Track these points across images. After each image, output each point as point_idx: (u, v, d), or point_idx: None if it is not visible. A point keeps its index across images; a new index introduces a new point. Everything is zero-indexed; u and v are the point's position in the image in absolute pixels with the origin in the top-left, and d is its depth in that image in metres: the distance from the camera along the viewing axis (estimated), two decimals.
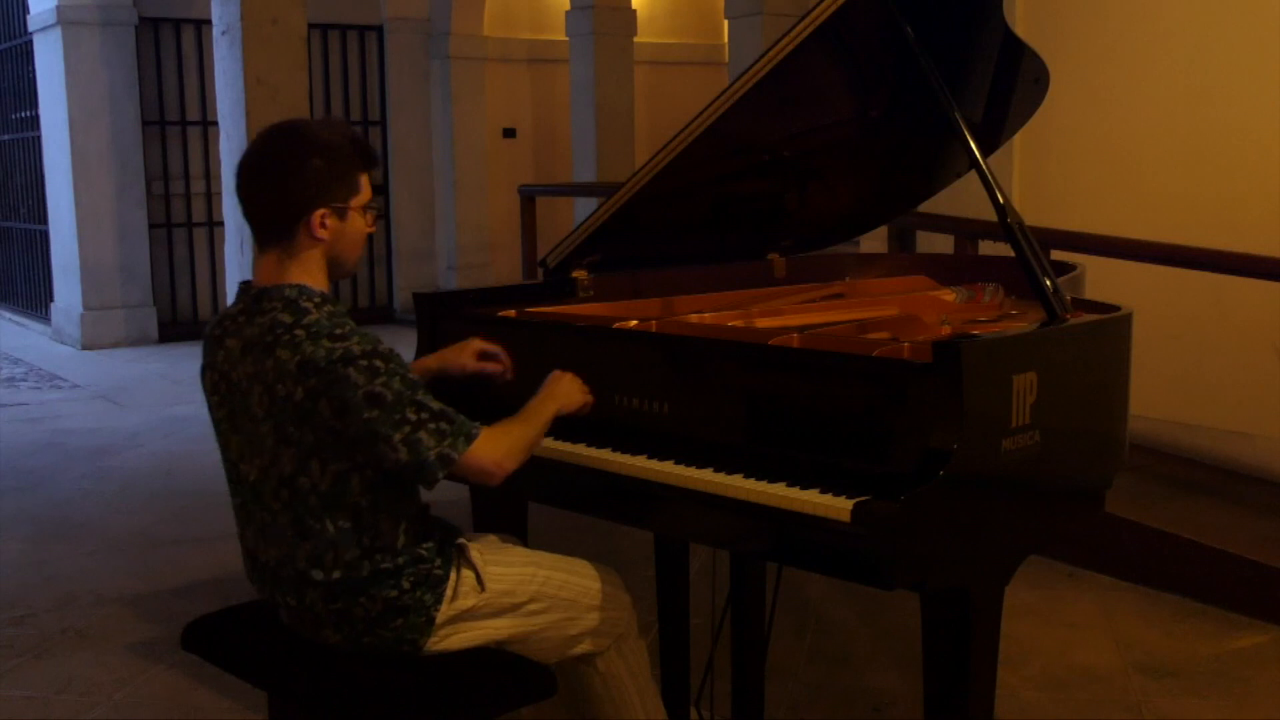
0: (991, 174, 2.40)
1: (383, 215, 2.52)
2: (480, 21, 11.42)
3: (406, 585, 2.15)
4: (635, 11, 10.45)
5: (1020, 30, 4.25)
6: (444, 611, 2.18)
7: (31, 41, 10.24)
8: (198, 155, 10.39)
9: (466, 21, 11.31)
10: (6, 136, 11.67)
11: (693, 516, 2.21)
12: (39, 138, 10.34)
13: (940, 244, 5.57)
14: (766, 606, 2.96)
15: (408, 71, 11.38)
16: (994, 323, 2.71)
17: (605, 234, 2.83)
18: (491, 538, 2.42)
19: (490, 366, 2.49)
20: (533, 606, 2.26)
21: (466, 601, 2.20)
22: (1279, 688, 3.42)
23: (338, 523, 2.11)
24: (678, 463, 2.21)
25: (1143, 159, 5.39)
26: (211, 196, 10.13)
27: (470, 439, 2.09)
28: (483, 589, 2.21)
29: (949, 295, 3.10)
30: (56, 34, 9.64)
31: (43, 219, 10.55)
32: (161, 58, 10.25)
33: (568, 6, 10.38)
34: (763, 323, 2.75)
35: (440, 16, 11.31)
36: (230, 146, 6.78)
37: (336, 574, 2.12)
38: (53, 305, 10.42)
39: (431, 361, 2.51)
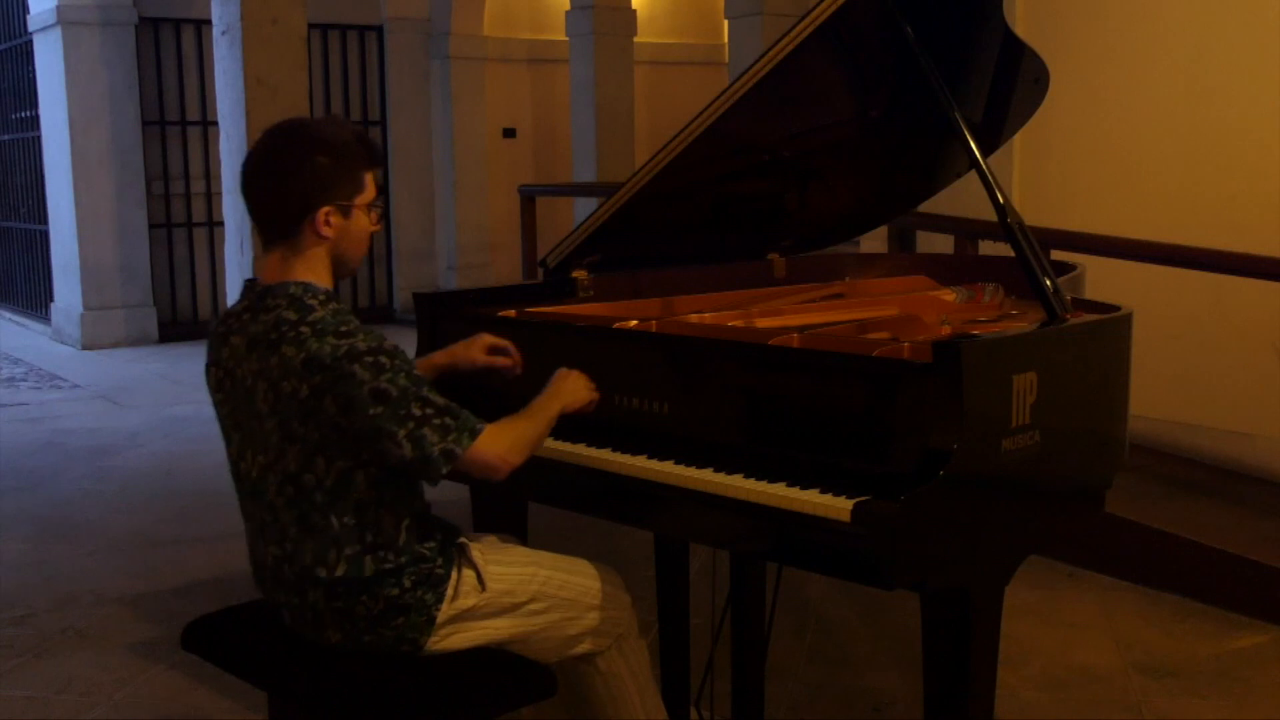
0: (991, 174, 2.40)
1: (383, 215, 2.54)
2: (480, 21, 11.42)
3: (408, 584, 2.15)
4: (635, 11, 10.45)
5: (1020, 30, 4.25)
6: (445, 611, 2.18)
7: (31, 41, 10.24)
8: (198, 155, 10.39)
9: (466, 21, 11.31)
10: (6, 136, 11.67)
11: (693, 516, 2.21)
12: (39, 138, 10.34)
13: (940, 244, 5.56)
14: (766, 606, 2.96)
15: (408, 71, 11.38)
16: (994, 323, 2.71)
17: (605, 234, 2.83)
18: (492, 538, 2.42)
19: (500, 361, 2.50)
20: (533, 606, 2.27)
21: (467, 601, 2.20)
22: (1279, 688, 3.42)
23: (342, 519, 2.12)
24: (678, 463, 2.21)
25: (1143, 159, 5.39)
26: (211, 196, 10.13)
27: (474, 434, 2.10)
28: (483, 589, 2.22)
29: (949, 295, 3.10)
30: (56, 34, 9.64)
31: (43, 219, 10.55)
32: (161, 58, 10.25)
33: (568, 6, 10.38)
34: (763, 323, 2.75)
35: (440, 16, 11.31)
36: (230, 146, 6.78)
37: (340, 570, 2.13)
38: (53, 305, 10.42)
39: (442, 357, 2.51)
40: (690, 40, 12.35)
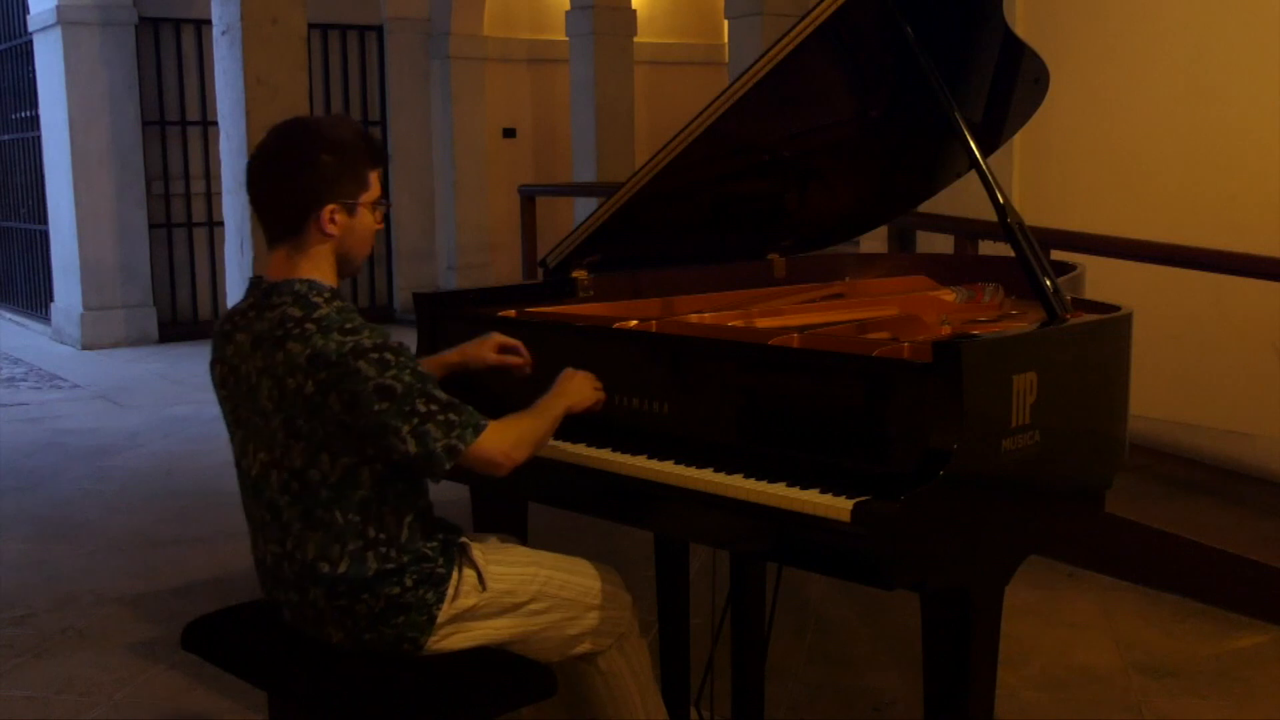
0: (991, 174, 2.40)
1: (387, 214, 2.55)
2: (480, 21, 11.42)
3: (409, 583, 2.16)
4: (635, 11, 10.45)
5: (1020, 30, 4.25)
6: (445, 610, 2.18)
7: (31, 41, 10.24)
8: (198, 155, 10.39)
9: (466, 21, 11.31)
10: (6, 136, 11.67)
11: (693, 516, 2.21)
12: (39, 138, 10.35)
13: (940, 244, 5.56)
14: (766, 606, 2.96)
15: (408, 71, 11.38)
16: (994, 323, 2.71)
17: (605, 234, 2.83)
18: (493, 538, 2.43)
19: (512, 360, 2.50)
20: (534, 606, 2.27)
21: (468, 600, 2.20)
22: (1279, 688, 3.42)
23: (347, 515, 2.12)
24: (678, 463, 2.21)
25: (1143, 159, 5.39)
26: (211, 196, 10.12)
27: (478, 430, 2.10)
28: (484, 588, 2.22)
29: (949, 295, 3.10)
30: (56, 34, 9.64)
31: (43, 219, 10.56)
32: (161, 58, 10.25)
33: (568, 6, 10.38)
34: (763, 323, 2.75)
35: (440, 16, 11.31)
36: (230, 146, 6.77)
37: (342, 567, 2.13)
38: (53, 305, 10.42)
39: (454, 356, 2.51)
40: (690, 40, 12.35)
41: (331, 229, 2.15)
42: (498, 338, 2.51)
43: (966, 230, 5.12)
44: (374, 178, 2.21)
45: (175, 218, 10.42)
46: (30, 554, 4.67)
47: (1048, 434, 2.13)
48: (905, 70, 2.58)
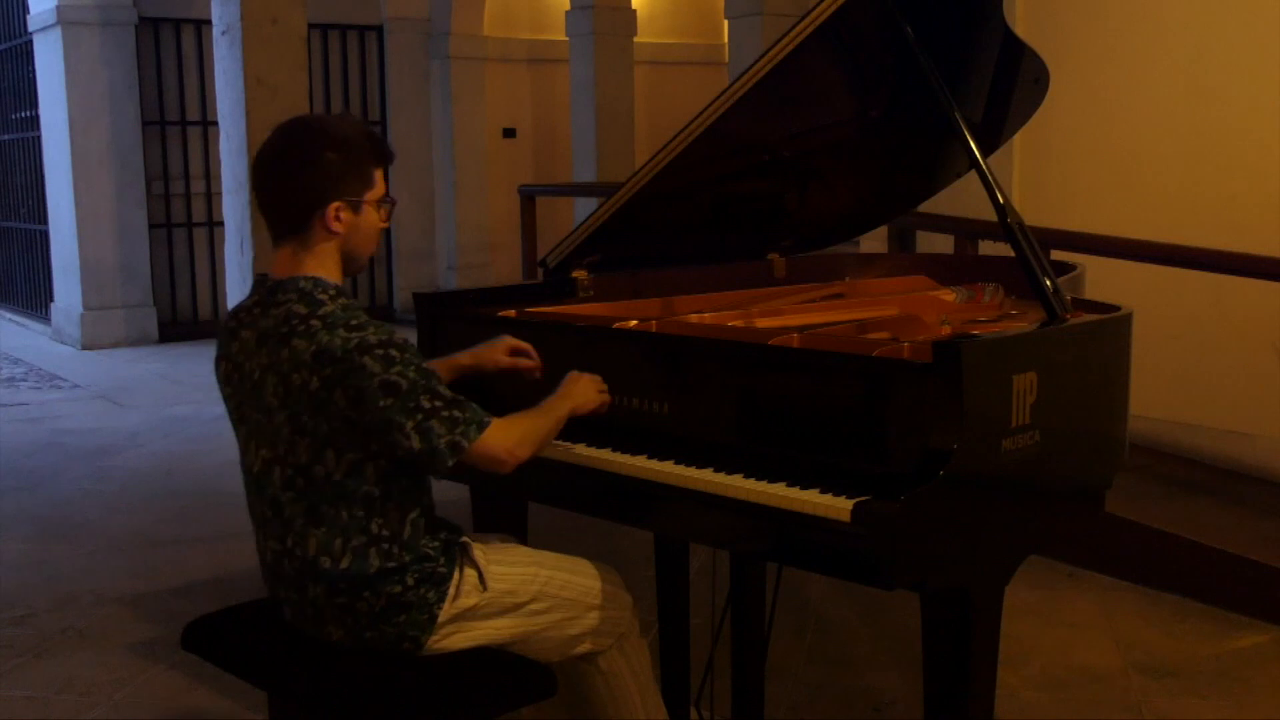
0: (991, 174, 2.40)
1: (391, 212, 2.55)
2: (480, 21, 11.42)
3: (410, 582, 2.16)
4: (635, 11, 10.45)
5: (1020, 30, 4.25)
6: (447, 610, 2.18)
7: (31, 41, 10.24)
8: (198, 155, 10.39)
9: (466, 21, 11.31)
10: (6, 136, 11.67)
11: (693, 516, 2.21)
12: (39, 138, 10.34)
13: (940, 244, 5.56)
14: (766, 606, 2.96)
15: (408, 71, 11.38)
16: (994, 323, 2.71)
17: (605, 234, 2.83)
18: (494, 538, 2.43)
19: (523, 363, 2.50)
20: (535, 606, 2.27)
21: (469, 600, 2.20)
22: (1279, 688, 3.42)
23: (351, 510, 2.13)
24: (678, 463, 2.21)
25: (1143, 159, 5.39)
26: (211, 196, 10.12)
27: (481, 427, 2.11)
28: (485, 588, 2.22)
29: (949, 295, 3.10)
30: (56, 34, 9.64)
31: (43, 219, 10.56)
32: (161, 58, 10.25)
33: (568, 6, 10.38)
34: (763, 323, 2.75)
35: (440, 16, 11.31)
36: (230, 146, 6.77)
37: (345, 563, 2.13)
38: (53, 305, 10.42)
39: (465, 359, 2.51)
40: (690, 40, 12.35)
41: (337, 226, 2.15)
42: (509, 340, 2.51)
43: (966, 230, 5.12)
44: (379, 176, 2.21)
45: (175, 218, 10.42)
46: (30, 554, 4.67)
47: (1048, 434, 2.13)
48: (905, 70, 2.58)
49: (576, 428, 2.36)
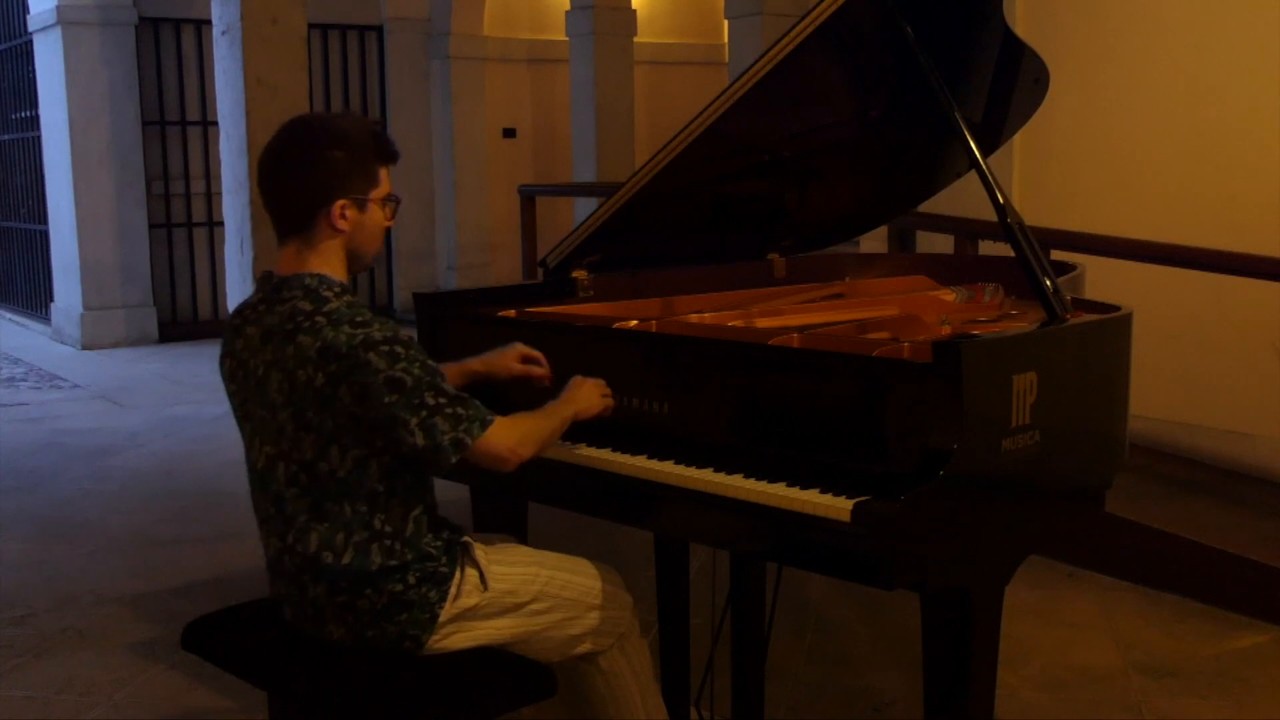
0: (991, 174, 2.40)
1: (396, 211, 2.54)
2: (480, 21, 11.42)
3: (412, 580, 2.16)
4: (635, 11, 10.45)
5: (1020, 30, 4.25)
6: (448, 609, 2.19)
7: (31, 41, 10.24)
8: (198, 155, 10.39)
9: (466, 21, 11.31)
10: (6, 136, 11.67)
11: (693, 516, 2.21)
12: (39, 138, 10.34)
13: (940, 244, 5.57)
14: (766, 606, 2.96)
15: (408, 71, 11.38)
16: (994, 323, 2.71)
17: (605, 234, 2.83)
18: (495, 538, 2.43)
19: (534, 370, 2.50)
20: (535, 606, 2.27)
21: (470, 600, 2.21)
22: (1279, 688, 3.42)
23: (355, 506, 2.14)
24: (678, 463, 2.21)
25: (1143, 159, 5.39)
26: (211, 196, 10.12)
27: (485, 425, 2.11)
28: (486, 588, 2.22)
29: (949, 295, 3.10)
30: (56, 34, 9.64)
31: (43, 219, 10.55)
32: (161, 58, 10.25)
33: (568, 6, 10.38)
34: (763, 323, 2.75)
35: (440, 16, 11.31)
36: (230, 146, 6.77)
37: (346, 558, 2.14)
38: (53, 305, 10.42)
39: (477, 365, 2.51)
40: (690, 40, 12.35)
41: (342, 224, 2.16)
42: (521, 348, 2.52)
43: (966, 230, 5.12)
44: (384, 174, 2.22)
45: (175, 218, 10.42)
46: (30, 554, 4.67)
47: (1048, 434, 2.13)
48: (905, 70, 2.58)
49: (577, 428, 2.36)
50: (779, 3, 8.52)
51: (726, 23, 9.30)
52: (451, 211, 11.40)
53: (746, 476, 2.10)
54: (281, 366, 2.11)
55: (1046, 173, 5.69)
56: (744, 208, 3.14)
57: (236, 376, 2.22)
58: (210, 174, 10.16)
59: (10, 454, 6.29)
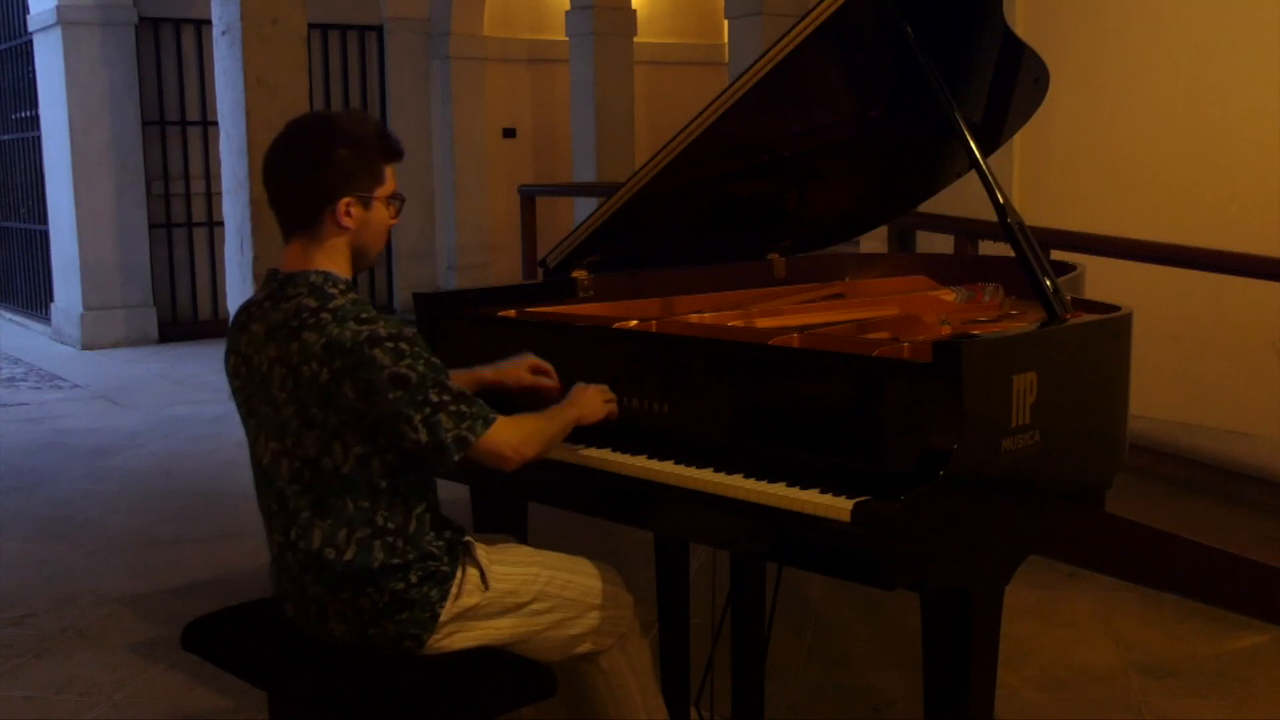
0: (991, 174, 2.40)
1: (401, 209, 2.54)
2: (480, 21, 11.42)
3: (414, 579, 2.16)
4: (635, 11, 10.45)
5: (1020, 30, 4.25)
6: (448, 609, 2.19)
7: (31, 41, 10.24)
8: (198, 155, 10.39)
9: (466, 21, 11.31)
10: (6, 136, 11.67)
11: (693, 516, 2.21)
12: (39, 138, 10.34)
13: (940, 244, 5.56)
14: (766, 606, 2.96)
15: (408, 71, 11.38)
16: (994, 323, 2.71)
17: (605, 234, 2.83)
18: (497, 538, 2.43)
19: (543, 382, 2.50)
20: (536, 606, 2.27)
21: (470, 600, 2.21)
22: (1279, 688, 3.42)
23: (358, 502, 2.14)
24: (678, 463, 2.21)
25: (1143, 159, 5.39)
26: (211, 196, 10.12)
27: (488, 423, 2.12)
28: (487, 588, 2.22)
29: (949, 295, 3.10)
30: (56, 34, 9.64)
31: (43, 219, 10.55)
32: (161, 58, 10.25)
33: (568, 6, 10.38)
34: (763, 323, 2.75)
35: (440, 16, 11.31)
36: (230, 146, 6.78)
37: (349, 554, 2.14)
38: (53, 305, 10.42)
39: (489, 373, 2.51)
40: (690, 40, 12.35)
41: (347, 222, 2.17)
42: (532, 359, 2.52)
43: (966, 230, 5.12)
44: (389, 172, 2.23)
45: (175, 218, 10.42)
46: (30, 554, 4.67)
47: (1048, 434, 2.13)
48: (905, 70, 2.58)
49: (578, 430, 2.36)
50: (779, 3, 8.52)
51: (726, 23, 9.31)
52: (451, 211, 11.40)
53: (746, 476, 2.10)
54: (286, 362, 2.11)
55: (1046, 173, 5.69)
56: (744, 208, 3.14)
57: (241, 373, 2.22)
58: (210, 174, 10.16)
59: (10, 454, 6.29)
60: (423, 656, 2.19)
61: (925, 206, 3.46)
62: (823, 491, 1.99)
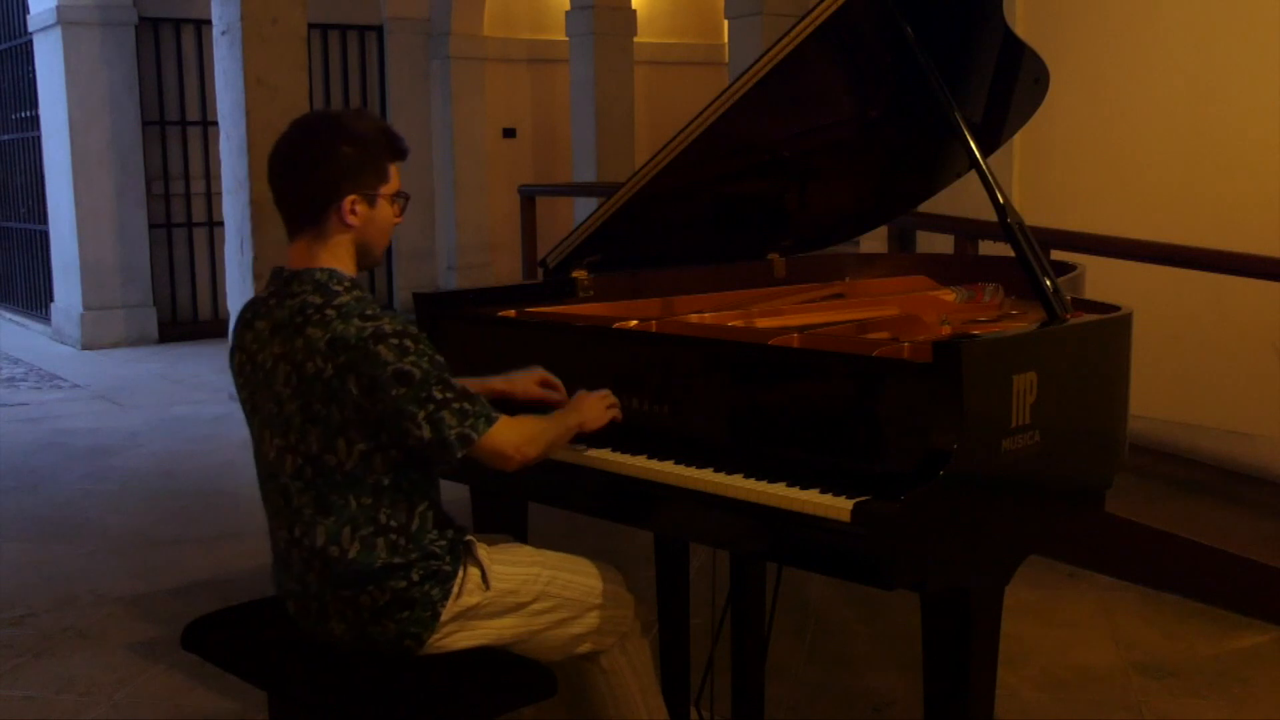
0: (991, 174, 2.40)
1: (405, 208, 2.54)
2: (480, 21, 11.42)
3: (415, 578, 2.16)
4: (635, 11, 10.45)
5: (1020, 30, 4.25)
6: (449, 608, 2.19)
7: (31, 41, 10.24)
8: (198, 155, 10.39)
9: (466, 21, 11.31)
10: (6, 136, 11.67)
11: (693, 516, 2.21)
12: (39, 138, 10.34)
13: (940, 244, 5.57)
14: (766, 606, 2.96)
15: (408, 71, 11.38)
16: (994, 323, 2.71)
17: (605, 234, 2.84)
18: (498, 538, 2.43)
19: (552, 397, 2.50)
20: (537, 606, 2.27)
21: (471, 599, 2.21)
22: (1279, 688, 3.42)
23: (361, 499, 2.14)
24: (678, 463, 2.21)
25: (1143, 159, 5.39)
26: (211, 196, 10.12)
27: (490, 421, 2.12)
28: (487, 587, 2.22)
29: (949, 295, 3.10)
30: (56, 34, 9.64)
31: (43, 219, 10.55)
32: (161, 58, 10.25)
33: (568, 6, 10.38)
34: (763, 323, 2.75)
35: (440, 16, 11.31)
36: (230, 146, 6.78)
37: (352, 552, 2.14)
38: (53, 305, 10.42)
39: (499, 383, 2.51)
40: (690, 40, 12.35)
41: (352, 219, 2.17)
42: (542, 372, 2.52)
43: (966, 230, 5.12)
44: (394, 170, 2.24)
45: (175, 218, 10.42)
46: (30, 554, 4.67)
47: (1048, 434, 2.13)
48: (905, 70, 2.58)
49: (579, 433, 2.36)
50: (779, 3, 8.53)
51: (726, 23, 9.31)
52: (451, 211, 11.40)
53: (746, 476, 2.10)
54: (290, 359, 2.12)
55: (1046, 173, 5.69)
56: (744, 208, 3.14)
57: (245, 370, 2.23)
58: (210, 174, 10.16)
59: (10, 454, 6.28)
60: (423, 656, 2.19)
61: (925, 206, 3.46)
62: (823, 491, 1.99)
